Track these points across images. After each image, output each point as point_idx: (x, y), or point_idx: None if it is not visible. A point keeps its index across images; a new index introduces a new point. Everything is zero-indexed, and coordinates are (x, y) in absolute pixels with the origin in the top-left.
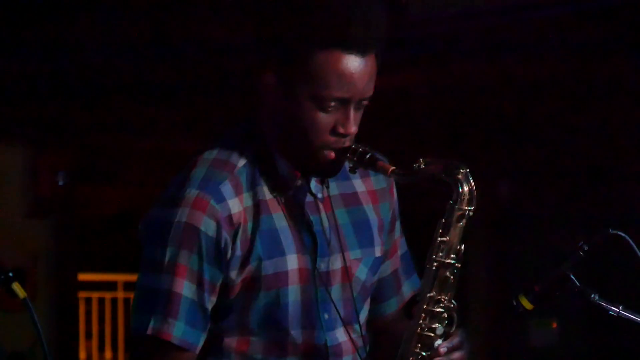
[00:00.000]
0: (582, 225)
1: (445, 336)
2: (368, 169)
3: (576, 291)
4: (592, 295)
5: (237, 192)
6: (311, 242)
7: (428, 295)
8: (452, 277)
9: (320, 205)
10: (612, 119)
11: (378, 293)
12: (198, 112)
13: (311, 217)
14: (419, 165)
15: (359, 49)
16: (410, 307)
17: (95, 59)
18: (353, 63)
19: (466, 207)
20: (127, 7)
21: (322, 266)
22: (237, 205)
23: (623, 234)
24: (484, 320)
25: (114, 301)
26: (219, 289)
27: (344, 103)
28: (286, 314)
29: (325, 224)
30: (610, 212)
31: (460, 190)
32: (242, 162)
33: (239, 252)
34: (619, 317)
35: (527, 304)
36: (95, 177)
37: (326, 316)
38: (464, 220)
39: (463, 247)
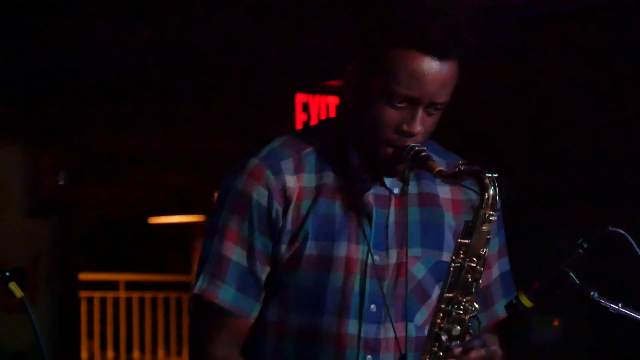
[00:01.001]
0: (583, 222)
1: (461, 339)
2: (419, 167)
3: (576, 289)
4: (592, 293)
5: (298, 171)
6: (369, 234)
7: (446, 295)
8: (472, 280)
9: (393, 201)
10: (613, 117)
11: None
12: (200, 112)
13: (378, 210)
14: (460, 168)
15: (436, 52)
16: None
17: (97, 59)
18: (428, 65)
19: (490, 212)
20: (129, 8)
21: (376, 258)
22: (293, 181)
23: (622, 231)
24: None
25: (116, 301)
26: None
27: (413, 103)
28: (324, 299)
29: (392, 218)
30: (611, 210)
31: (487, 195)
32: (312, 147)
33: (289, 226)
34: (619, 314)
35: (526, 302)
36: (96, 177)
37: (373, 307)
38: (487, 225)
39: (486, 251)
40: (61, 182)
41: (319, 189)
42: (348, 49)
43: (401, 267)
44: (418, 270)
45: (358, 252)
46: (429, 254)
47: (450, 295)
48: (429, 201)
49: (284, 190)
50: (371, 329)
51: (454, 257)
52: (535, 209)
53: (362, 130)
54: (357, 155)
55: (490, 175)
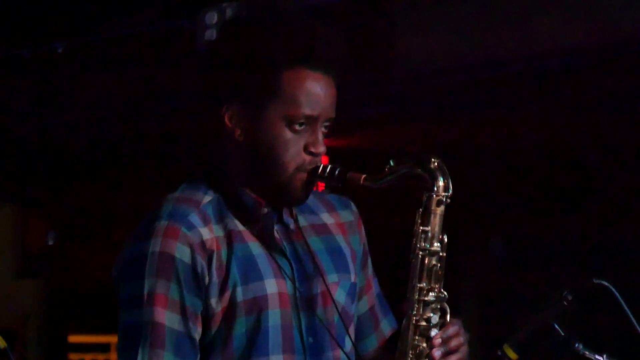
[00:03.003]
0: (570, 276)
1: (440, 327)
2: (339, 184)
3: (560, 340)
4: (577, 345)
5: (206, 222)
6: (289, 267)
7: (418, 285)
8: (439, 266)
9: (293, 235)
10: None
11: (358, 330)
12: (191, 170)
13: (286, 245)
14: (390, 166)
15: (324, 67)
16: (392, 342)
17: (85, 118)
18: (319, 81)
19: (443, 194)
20: (114, 65)
21: (302, 290)
22: (207, 232)
23: (607, 284)
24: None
25: None
26: (202, 320)
27: (312, 122)
28: (267, 338)
29: (300, 250)
30: (597, 263)
31: (435, 178)
32: (206, 199)
33: (215, 279)
34: None
35: (512, 354)
36: (85, 237)
37: (311, 340)
38: (442, 207)
39: (445, 237)
40: (50, 242)
41: (229, 236)
42: (220, 92)
43: (325, 295)
44: (340, 296)
45: (286, 287)
46: (344, 278)
47: (421, 285)
48: (322, 230)
49: (203, 243)
50: None
51: (417, 245)
52: (523, 263)
53: (269, 165)
54: (247, 194)
55: (434, 159)
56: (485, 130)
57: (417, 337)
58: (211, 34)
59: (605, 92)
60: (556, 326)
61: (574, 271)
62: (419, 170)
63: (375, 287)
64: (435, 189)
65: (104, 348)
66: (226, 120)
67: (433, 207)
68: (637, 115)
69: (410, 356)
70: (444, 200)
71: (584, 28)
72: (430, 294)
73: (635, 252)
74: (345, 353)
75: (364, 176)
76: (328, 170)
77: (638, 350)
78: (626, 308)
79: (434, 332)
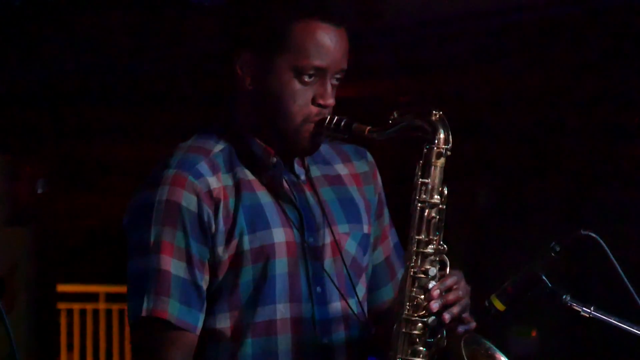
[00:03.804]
0: (559, 226)
1: (439, 280)
2: (345, 135)
3: (547, 292)
4: (564, 296)
5: (215, 171)
6: (297, 217)
7: (417, 237)
8: (438, 218)
9: (304, 186)
10: (593, 122)
11: (373, 281)
12: (181, 119)
13: (297, 195)
14: (394, 118)
15: (334, 19)
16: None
17: (75, 66)
18: (330, 33)
19: (443, 146)
20: (105, 15)
21: (311, 240)
22: (215, 181)
23: (594, 235)
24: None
25: (96, 313)
26: (210, 268)
27: (321, 74)
28: (273, 286)
29: (311, 200)
30: (587, 213)
31: (436, 131)
32: (218, 148)
33: (222, 227)
34: (591, 318)
35: (499, 305)
36: (75, 186)
37: (319, 289)
38: (442, 159)
39: (446, 189)
40: (40, 191)
41: (237, 185)
42: (232, 40)
43: (335, 245)
44: (350, 246)
45: (293, 236)
46: (355, 229)
47: (420, 237)
48: (334, 181)
49: (210, 192)
50: (322, 311)
51: (417, 197)
52: (513, 215)
53: (276, 114)
54: (257, 143)
55: (435, 111)
56: (476, 80)
57: (414, 289)
58: None
59: (596, 46)
60: (544, 277)
61: (561, 222)
62: (420, 122)
63: (392, 237)
64: (436, 141)
65: (92, 298)
66: (237, 68)
67: (433, 159)
68: (627, 70)
69: (408, 307)
70: (444, 152)
71: None
72: (430, 246)
73: (623, 203)
74: (354, 303)
75: (368, 128)
76: (334, 121)
77: (625, 302)
78: (613, 259)
79: (432, 284)
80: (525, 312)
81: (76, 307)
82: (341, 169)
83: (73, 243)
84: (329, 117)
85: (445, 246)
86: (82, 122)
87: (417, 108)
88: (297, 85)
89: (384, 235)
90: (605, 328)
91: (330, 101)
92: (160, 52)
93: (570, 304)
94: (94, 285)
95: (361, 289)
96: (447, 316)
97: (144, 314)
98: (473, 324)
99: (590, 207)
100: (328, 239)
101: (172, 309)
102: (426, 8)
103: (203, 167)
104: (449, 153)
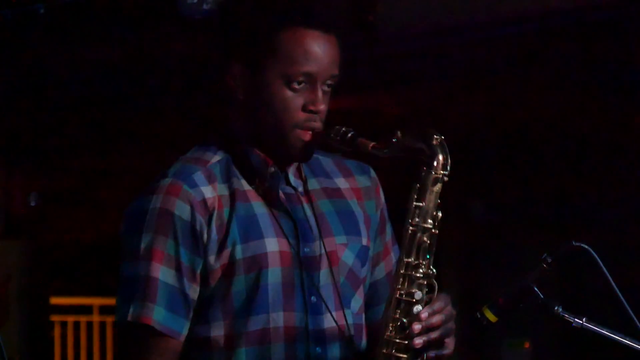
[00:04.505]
0: (550, 240)
1: (426, 304)
2: (349, 147)
3: (539, 303)
4: (556, 307)
5: (211, 181)
6: (292, 227)
7: (405, 260)
8: (429, 243)
9: (302, 198)
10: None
11: (374, 297)
12: (175, 133)
13: (293, 206)
14: (398, 138)
15: (322, 26)
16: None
17: (69, 79)
18: (317, 39)
19: (441, 172)
20: (99, 27)
21: (306, 250)
22: (210, 191)
23: (586, 246)
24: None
25: (90, 325)
26: (201, 277)
27: (311, 80)
28: (266, 295)
29: (308, 212)
30: (578, 227)
31: (435, 155)
32: (215, 158)
33: (215, 236)
34: (583, 329)
35: (491, 317)
36: (68, 199)
37: (313, 299)
38: (438, 185)
39: (440, 214)
40: (32, 203)
41: (232, 196)
42: (223, 52)
43: (332, 255)
44: (347, 258)
45: (288, 246)
46: (353, 240)
47: (409, 260)
48: (333, 193)
49: (204, 201)
50: (316, 321)
51: (410, 221)
52: (505, 227)
53: (266, 123)
54: (255, 153)
55: (437, 135)
56: (467, 94)
57: (398, 311)
58: None
59: (589, 59)
60: (535, 289)
61: (553, 234)
62: (421, 145)
63: (395, 254)
64: (435, 165)
65: (86, 310)
66: (229, 80)
67: (430, 184)
68: (617, 82)
69: (390, 329)
70: (441, 178)
71: None
72: (419, 269)
73: (615, 215)
74: (349, 314)
75: (372, 144)
76: (341, 132)
77: (617, 313)
78: (605, 271)
79: (417, 307)
80: (518, 324)
81: (70, 319)
82: (342, 183)
83: (67, 255)
84: (336, 127)
85: (434, 270)
86: (76, 134)
87: (419, 129)
88: (287, 92)
89: (385, 251)
90: (597, 339)
91: (322, 107)
92: (153, 65)
93: (562, 315)
94: (88, 297)
95: (357, 300)
96: (417, 341)
97: (129, 319)
98: (448, 350)
99: (582, 218)
100: (324, 249)
101: (157, 315)
102: (419, 20)
103: (199, 177)
104: (446, 179)
